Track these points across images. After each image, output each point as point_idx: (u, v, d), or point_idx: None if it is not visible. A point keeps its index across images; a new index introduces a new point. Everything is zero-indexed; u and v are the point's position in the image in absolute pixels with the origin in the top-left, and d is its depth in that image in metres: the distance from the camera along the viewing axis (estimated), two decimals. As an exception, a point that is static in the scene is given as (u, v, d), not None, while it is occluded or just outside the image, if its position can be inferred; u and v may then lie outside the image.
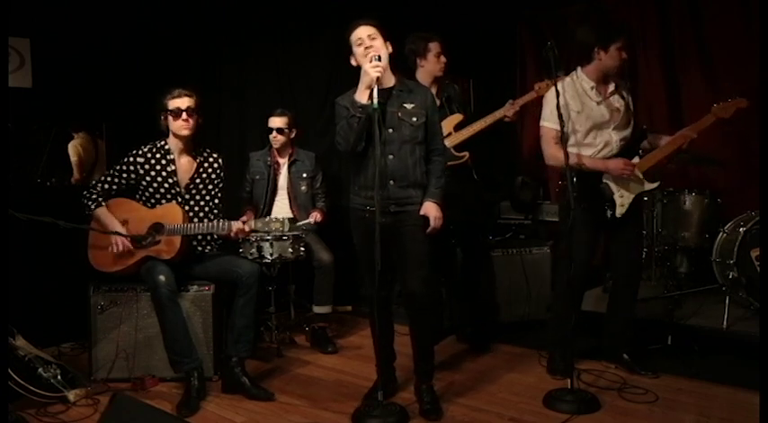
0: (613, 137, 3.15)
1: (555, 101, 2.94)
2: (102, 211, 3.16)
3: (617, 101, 3.17)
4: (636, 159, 3.13)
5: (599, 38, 3.08)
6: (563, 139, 2.93)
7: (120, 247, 3.12)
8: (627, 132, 3.19)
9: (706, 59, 4.68)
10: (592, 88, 3.13)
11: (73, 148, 4.08)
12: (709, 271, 3.84)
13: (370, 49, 2.66)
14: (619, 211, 3.11)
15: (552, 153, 3.15)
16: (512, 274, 4.12)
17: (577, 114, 3.10)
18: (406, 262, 2.80)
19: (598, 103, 3.13)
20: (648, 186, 3.14)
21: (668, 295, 3.94)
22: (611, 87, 3.18)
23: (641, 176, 3.11)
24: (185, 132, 3.18)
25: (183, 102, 3.16)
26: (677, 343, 3.50)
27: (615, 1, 5.13)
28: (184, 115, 3.15)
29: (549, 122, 3.14)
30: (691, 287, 4.11)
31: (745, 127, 4.36)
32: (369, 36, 2.69)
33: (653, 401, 2.87)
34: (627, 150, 3.14)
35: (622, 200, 3.11)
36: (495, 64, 5.58)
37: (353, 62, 2.76)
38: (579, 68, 3.17)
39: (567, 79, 3.16)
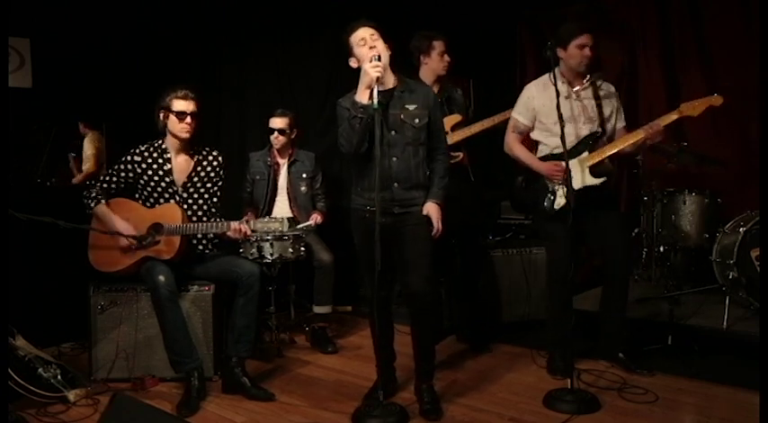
0: (584, 132, 3.19)
1: (526, 95, 3.27)
2: (102, 209, 3.16)
3: (586, 98, 3.20)
4: (585, 154, 3.16)
5: (557, 37, 3.17)
6: (562, 141, 2.92)
7: (127, 243, 3.11)
8: (595, 129, 3.21)
9: (706, 59, 4.68)
10: (563, 83, 3.19)
11: (89, 142, 4.15)
12: (710, 271, 3.83)
13: (374, 49, 2.64)
14: (557, 203, 3.14)
15: (508, 141, 3.36)
16: (512, 274, 4.12)
17: (542, 107, 3.18)
18: (409, 261, 2.79)
19: (566, 98, 3.17)
20: (590, 181, 3.14)
21: (668, 295, 3.93)
22: (585, 84, 3.21)
23: (585, 172, 3.14)
24: (186, 136, 3.18)
25: (189, 105, 3.14)
26: (677, 343, 3.50)
27: (615, 1, 5.14)
28: (188, 119, 3.14)
29: (515, 113, 3.34)
30: (691, 287, 4.11)
31: (745, 127, 4.37)
32: (371, 36, 2.68)
33: (653, 401, 2.87)
34: (579, 148, 3.18)
35: (561, 192, 3.14)
36: (495, 64, 5.59)
37: (353, 64, 2.74)
38: (557, 68, 3.22)
39: (543, 77, 3.23)
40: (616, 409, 2.80)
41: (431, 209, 2.77)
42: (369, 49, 2.65)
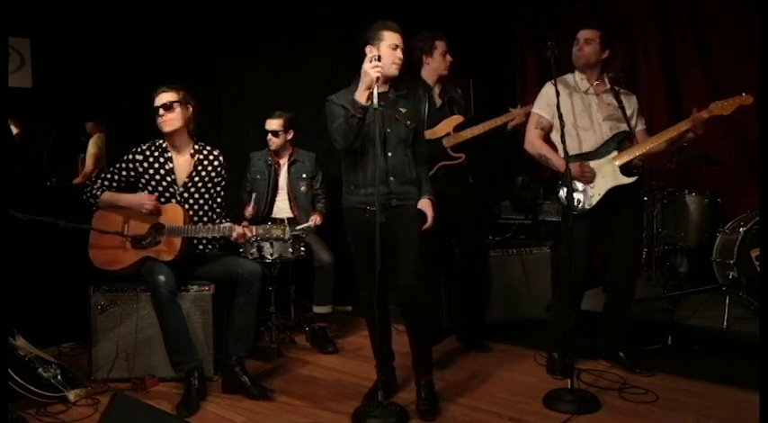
0: (604, 128, 3.19)
1: (547, 90, 3.17)
2: (108, 194, 3.17)
3: (608, 97, 3.23)
4: (614, 153, 3.15)
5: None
6: (562, 140, 2.92)
7: (151, 206, 3.12)
8: (618, 129, 3.20)
9: (706, 59, 4.69)
10: (582, 79, 3.24)
11: (93, 142, 4.15)
12: (710, 271, 3.84)
13: (400, 59, 2.75)
14: (589, 203, 3.13)
15: (530, 138, 3.30)
16: (511, 274, 4.12)
17: (563, 103, 3.13)
18: (400, 257, 2.81)
19: (586, 93, 3.21)
20: (622, 181, 3.13)
21: (668, 295, 3.93)
22: (606, 85, 3.24)
23: (616, 172, 3.13)
24: (165, 128, 3.17)
25: (161, 98, 3.15)
26: (677, 343, 3.50)
27: (615, 1, 5.14)
28: (161, 111, 3.14)
29: (536, 108, 3.29)
30: (691, 287, 4.11)
31: (745, 127, 4.37)
32: (401, 47, 2.78)
33: (653, 401, 2.87)
34: (608, 147, 3.17)
35: (592, 191, 3.13)
36: (495, 64, 5.59)
37: (371, 52, 2.69)
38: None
39: (564, 76, 3.27)
40: (616, 409, 2.80)
41: (425, 204, 2.87)
42: (398, 58, 2.75)
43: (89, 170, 4.09)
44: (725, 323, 3.45)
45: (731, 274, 3.56)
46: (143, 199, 3.14)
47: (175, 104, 3.15)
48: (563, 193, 3.14)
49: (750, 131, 4.37)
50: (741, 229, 3.60)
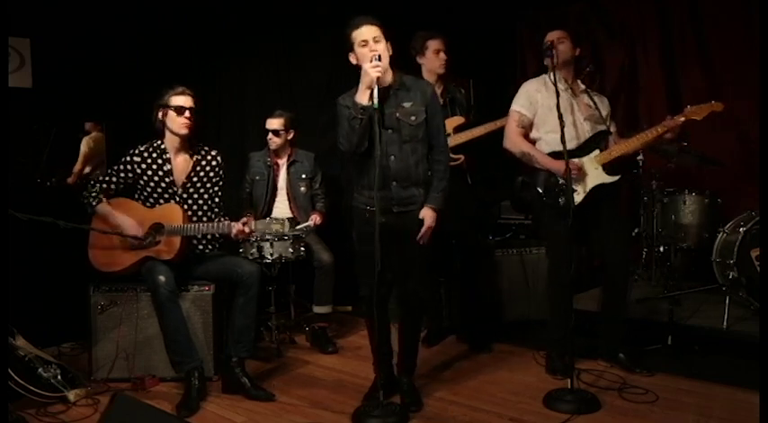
0: (585, 127, 3.22)
1: (527, 88, 3.26)
2: (104, 207, 3.16)
3: (585, 98, 3.25)
4: (596, 152, 3.17)
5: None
6: (562, 141, 2.92)
7: (129, 241, 3.11)
8: (597, 129, 3.23)
9: (706, 60, 4.68)
10: (559, 79, 3.18)
11: (85, 142, 4.15)
12: (710, 271, 3.83)
13: (375, 53, 2.63)
14: (573, 201, 3.11)
15: (511, 136, 3.28)
16: (512, 274, 4.12)
17: (545, 100, 3.18)
18: (406, 263, 2.82)
19: (564, 90, 3.20)
20: (606, 179, 3.15)
21: (668, 295, 3.94)
22: (581, 87, 3.28)
23: (599, 170, 3.15)
24: (185, 131, 3.17)
25: (187, 100, 3.15)
26: (677, 343, 3.50)
27: (615, 1, 5.14)
28: (187, 114, 3.14)
29: (517, 106, 3.28)
30: (691, 287, 4.11)
31: (745, 127, 4.37)
32: (374, 38, 2.67)
33: (653, 401, 2.87)
34: (589, 146, 3.20)
35: (577, 189, 3.13)
36: (495, 64, 5.59)
37: (353, 60, 2.74)
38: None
39: (541, 76, 3.29)
40: (616, 409, 2.80)
41: (426, 215, 2.77)
42: (370, 52, 2.64)
43: (78, 169, 4.09)
44: (725, 323, 3.44)
45: (731, 274, 3.56)
46: (131, 228, 3.11)
47: (194, 110, 3.17)
48: (541, 188, 3.16)
49: (750, 131, 4.38)
50: (741, 229, 3.60)
